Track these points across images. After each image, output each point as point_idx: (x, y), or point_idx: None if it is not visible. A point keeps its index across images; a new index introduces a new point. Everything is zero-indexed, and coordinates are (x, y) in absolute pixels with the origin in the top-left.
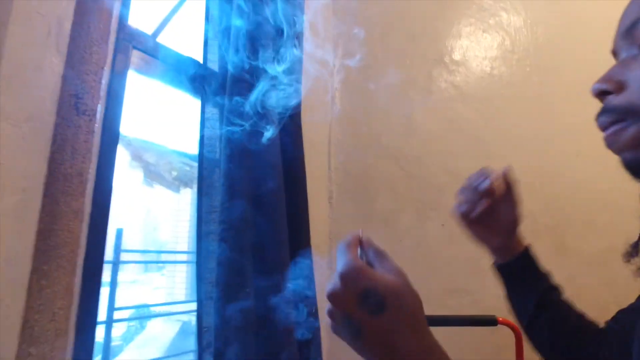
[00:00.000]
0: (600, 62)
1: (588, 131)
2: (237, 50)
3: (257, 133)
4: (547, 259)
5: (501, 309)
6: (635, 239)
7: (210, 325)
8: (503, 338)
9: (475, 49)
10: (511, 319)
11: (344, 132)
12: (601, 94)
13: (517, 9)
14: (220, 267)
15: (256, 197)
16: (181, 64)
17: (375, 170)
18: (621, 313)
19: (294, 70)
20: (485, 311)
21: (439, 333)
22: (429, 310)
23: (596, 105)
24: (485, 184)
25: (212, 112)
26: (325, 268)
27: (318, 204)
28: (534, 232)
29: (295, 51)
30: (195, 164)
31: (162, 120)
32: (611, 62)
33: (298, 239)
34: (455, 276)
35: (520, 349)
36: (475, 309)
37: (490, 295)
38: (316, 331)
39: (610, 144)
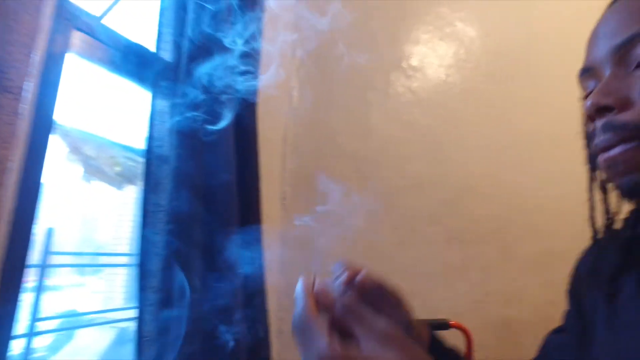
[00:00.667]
0: (549, 75)
1: (533, 140)
2: (192, 41)
3: (210, 129)
4: (492, 261)
5: (449, 310)
6: (575, 243)
7: (151, 334)
8: (452, 340)
9: (432, 55)
10: (462, 321)
11: (300, 132)
12: (601, 110)
13: (471, 19)
14: (165, 270)
15: (207, 196)
16: (130, 52)
17: (329, 170)
18: (549, 341)
19: (252, 65)
20: (434, 313)
21: None
22: None
23: (544, 115)
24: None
25: (163, 104)
26: (276, 272)
27: (270, 205)
28: (481, 236)
29: (254, 46)
30: (141, 159)
31: (106, 110)
32: (561, 74)
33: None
34: (406, 280)
35: (470, 351)
36: (424, 312)
37: (439, 297)
38: (266, 338)
39: (618, 164)
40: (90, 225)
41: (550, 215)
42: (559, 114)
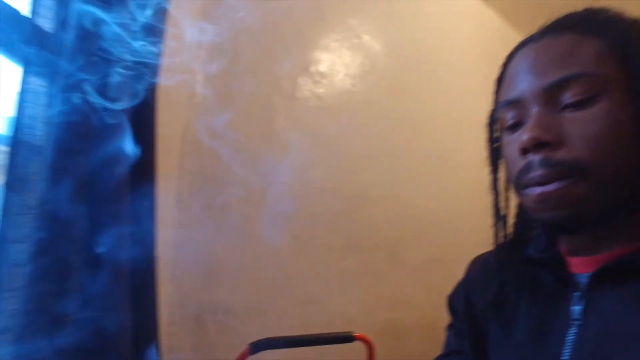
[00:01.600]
0: (444, 95)
1: (425, 155)
2: (79, 10)
3: (99, 116)
4: (384, 268)
5: (344, 316)
6: (454, 252)
7: None
8: (351, 351)
9: (339, 64)
10: (354, 326)
11: (200, 130)
12: (538, 145)
13: (377, 35)
14: (32, 289)
15: (92, 197)
16: None
17: (230, 173)
18: None
19: (152, 49)
20: (330, 319)
21: (292, 352)
22: (279, 324)
23: (436, 133)
24: None
25: (38, 82)
26: (168, 282)
27: (164, 205)
28: (377, 244)
29: (156, 28)
30: (3, 148)
31: None
32: (454, 96)
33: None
34: (303, 288)
35: None
36: (321, 321)
37: (334, 303)
38: (155, 356)
39: (551, 199)
40: None
41: (435, 226)
42: (449, 133)
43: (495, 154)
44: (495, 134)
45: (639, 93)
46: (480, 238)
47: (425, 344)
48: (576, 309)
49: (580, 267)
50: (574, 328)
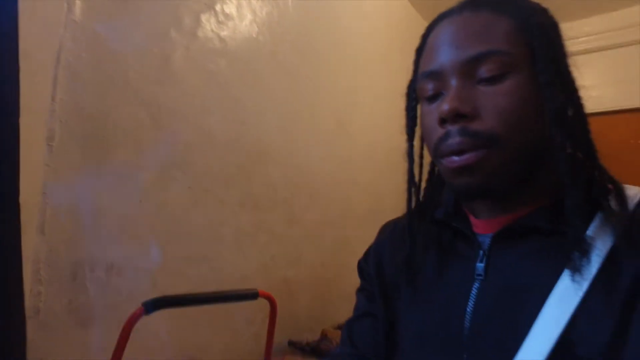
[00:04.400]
0: (347, 62)
1: (324, 117)
2: None
3: None
4: (279, 227)
5: (239, 274)
6: (342, 214)
7: None
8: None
9: (247, 8)
10: (249, 284)
11: (79, 55)
12: (457, 116)
13: None
14: None
15: None
16: None
17: (117, 113)
18: (354, 328)
19: None
20: (224, 280)
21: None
22: (168, 282)
23: (333, 96)
24: None
25: None
26: (35, 236)
27: (31, 144)
28: (273, 203)
29: None
30: None
31: None
32: (352, 62)
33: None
34: (196, 243)
35: (274, 318)
36: (213, 279)
37: (229, 261)
38: (19, 319)
39: (468, 167)
40: None
41: (328, 189)
42: (346, 100)
43: (412, 122)
44: (413, 103)
45: (541, 72)
46: (369, 206)
47: (314, 300)
48: (480, 265)
49: (483, 228)
50: (477, 283)
